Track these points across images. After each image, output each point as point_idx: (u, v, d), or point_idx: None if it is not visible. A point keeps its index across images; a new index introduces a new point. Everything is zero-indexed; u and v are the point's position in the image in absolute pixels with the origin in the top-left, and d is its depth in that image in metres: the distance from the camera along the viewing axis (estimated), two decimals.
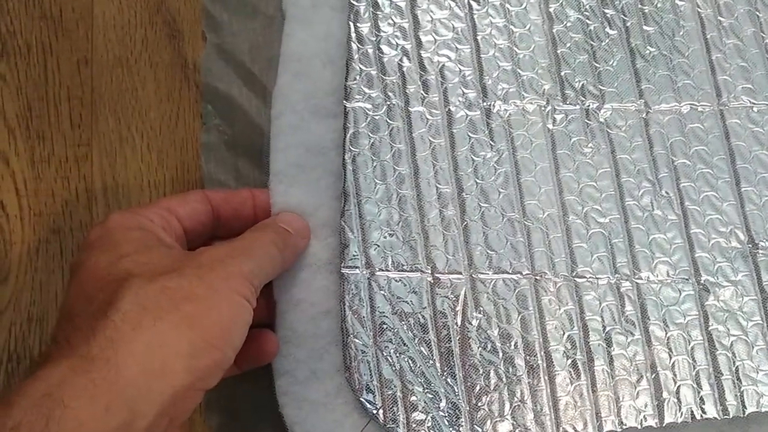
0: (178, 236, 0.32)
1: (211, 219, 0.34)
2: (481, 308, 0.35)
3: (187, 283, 0.27)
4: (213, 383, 0.28)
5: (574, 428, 0.34)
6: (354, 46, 0.38)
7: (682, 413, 0.35)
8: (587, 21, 0.39)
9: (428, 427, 0.34)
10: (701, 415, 0.35)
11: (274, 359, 0.35)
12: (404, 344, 0.35)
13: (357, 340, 0.35)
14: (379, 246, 0.36)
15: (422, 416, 0.34)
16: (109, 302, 0.26)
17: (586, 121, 0.38)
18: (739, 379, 0.35)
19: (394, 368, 0.34)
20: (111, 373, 0.25)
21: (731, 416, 0.35)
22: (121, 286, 0.27)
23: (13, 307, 0.37)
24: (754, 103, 0.38)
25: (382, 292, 0.35)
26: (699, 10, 0.39)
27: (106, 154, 0.38)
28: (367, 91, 0.37)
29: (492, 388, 0.34)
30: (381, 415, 0.34)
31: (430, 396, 0.34)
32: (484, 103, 0.38)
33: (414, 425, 0.34)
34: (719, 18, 0.39)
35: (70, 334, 0.26)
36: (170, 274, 0.27)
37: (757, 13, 0.39)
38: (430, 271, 0.36)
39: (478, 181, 0.37)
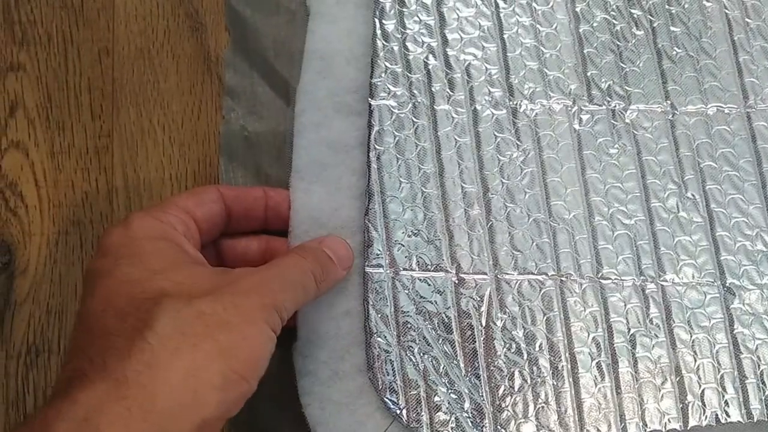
0: (196, 241, 0.30)
1: (224, 218, 0.32)
2: (506, 309, 0.34)
3: (222, 309, 0.26)
4: (236, 412, 0.26)
5: (597, 430, 0.33)
6: (379, 43, 0.36)
7: (706, 417, 0.33)
8: (614, 21, 0.37)
9: (452, 427, 0.32)
10: (725, 419, 0.33)
11: (295, 357, 0.33)
12: (428, 344, 0.33)
13: (380, 340, 0.33)
14: (403, 245, 0.34)
15: (446, 417, 0.32)
16: (144, 322, 0.25)
17: (612, 121, 0.36)
18: (764, 383, 0.34)
19: (417, 368, 0.33)
20: (146, 401, 0.23)
21: (755, 420, 0.33)
22: (157, 305, 0.25)
23: (33, 299, 0.35)
24: None
25: (406, 291, 0.34)
26: (726, 11, 0.38)
27: (127, 146, 0.36)
28: (392, 88, 0.36)
29: (516, 390, 0.33)
30: (404, 416, 0.32)
31: (454, 397, 0.33)
32: (511, 103, 0.36)
33: (437, 426, 0.32)
34: (747, 20, 0.38)
35: (106, 352, 0.24)
36: (206, 298, 0.26)
37: None
38: (454, 271, 0.34)
39: (503, 180, 0.35)
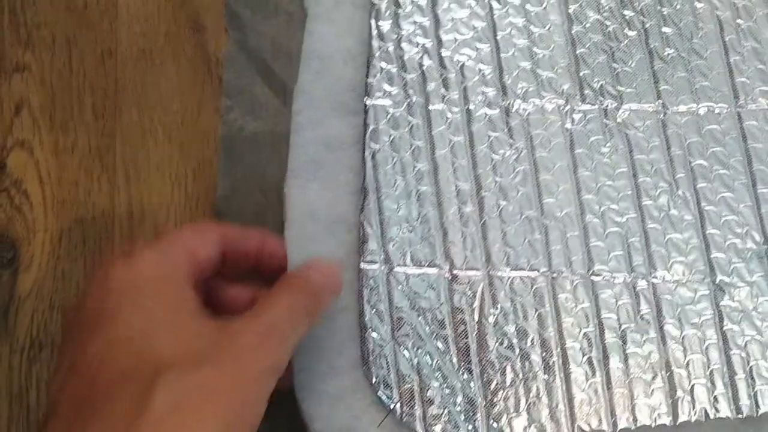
0: (195, 282, 0.29)
1: (221, 260, 0.30)
2: (499, 305, 0.34)
3: (222, 377, 0.25)
4: None
5: (588, 425, 0.33)
6: (375, 44, 0.36)
7: (695, 412, 0.33)
8: (606, 22, 0.38)
9: (445, 421, 0.33)
10: (715, 414, 0.33)
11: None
12: (422, 339, 0.33)
13: (375, 335, 0.33)
14: (397, 242, 0.34)
15: (439, 411, 0.33)
16: (142, 395, 0.24)
17: (604, 121, 0.36)
18: (753, 378, 0.34)
19: (411, 363, 0.33)
20: None
21: (744, 416, 0.34)
22: (157, 376, 0.24)
23: (36, 294, 0.35)
24: None
25: (401, 287, 0.34)
26: (718, 12, 0.38)
27: (129, 146, 0.37)
28: (387, 88, 0.36)
29: (508, 384, 0.33)
30: (398, 409, 0.33)
31: (447, 391, 0.33)
32: (504, 102, 0.36)
33: (430, 419, 0.33)
34: (738, 20, 0.38)
35: (104, 420, 0.24)
36: (206, 366, 0.25)
37: None
38: (448, 268, 0.34)
39: (496, 178, 0.35)
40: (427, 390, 0.33)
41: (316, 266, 0.31)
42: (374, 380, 0.33)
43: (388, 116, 0.36)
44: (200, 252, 0.29)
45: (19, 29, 0.38)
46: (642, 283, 0.35)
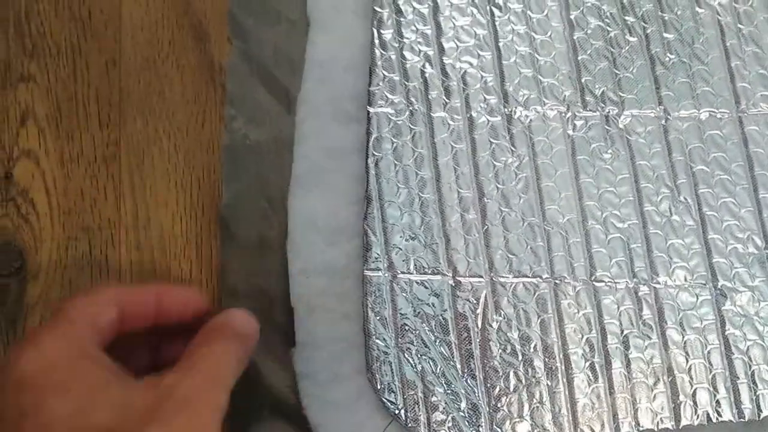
0: (101, 342, 0.28)
1: (118, 321, 0.29)
2: (502, 311, 0.34)
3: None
4: None
5: (591, 429, 0.33)
6: (377, 52, 0.37)
7: (698, 416, 0.34)
8: (607, 28, 0.38)
9: (449, 427, 0.33)
10: (717, 419, 0.34)
11: (295, 362, 0.34)
12: (425, 346, 0.34)
13: (379, 342, 0.34)
14: (401, 249, 0.35)
15: (443, 416, 0.33)
16: None
17: (605, 127, 0.36)
18: (755, 383, 0.34)
19: (415, 369, 0.33)
20: None
21: (747, 420, 0.34)
22: None
23: (43, 302, 0.36)
24: None
25: (404, 294, 0.34)
26: (719, 17, 0.38)
27: (134, 155, 0.37)
28: (389, 96, 0.36)
29: (511, 390, 0.33)
30: (403, 416, 0.33)
31: (451, 397, 0.33)
32: (506, 109, 0.36)
33: (435, 425, 0.33)
34: (739, 26, 0.38)
35: None
36: (153, 426, 0.24)
37: None
38: (451, 275, 0.35)
39: (498, 185, 0.35)
40: (432, 396, 0.33)
41: (237, 313, 0.31)
42: (378, 387, 0.33)
43: (391, 124, 0.36)
44: (99, 318, 0.28)
45: (24, 39, 0.38)
46: (644, 289, 0.35)
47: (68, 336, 0.26)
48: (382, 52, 0.36)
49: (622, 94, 0.37)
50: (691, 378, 0.34)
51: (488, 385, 0.33)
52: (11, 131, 0.37)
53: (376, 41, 0.36)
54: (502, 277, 0.35)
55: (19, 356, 0.26)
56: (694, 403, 0.34)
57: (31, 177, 0.37)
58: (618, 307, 0.34)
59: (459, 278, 0.34)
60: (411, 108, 0.36)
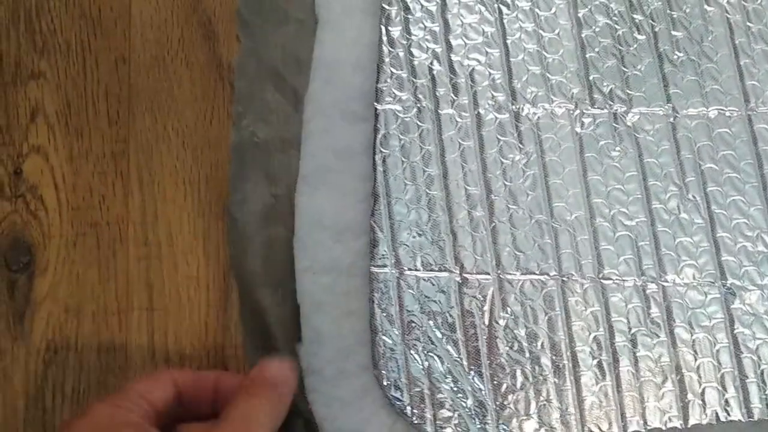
0: (154, 423, 0.30)
1: (176, 402, 0.31)
2: (509, 308, 0.34)
3: None
4: None
5: (599, 428, 0.33)
6: (385, 50, 0.37)
7: (706, 415, 0.33)
8: (616, 26, 0.38)
9: (455, 424, 0.33)
10: (726, 417, 0.33)
11: (301, 357, 0.34)
12: (432, 343, 0.34)
13: (386, 338, 0.34)
14: (408, 246, 0.35)
15: (449, 413, 0.33)
16: None
17: (613, 125, 0.36)
18: (764, 382, 0.34)
19: (421, 366, 0.33)
20: None
21: (756, 419, 0.33)
22: None
23: (51, 298, 0.36)
24: None
25: (411, 291, 0.34)
26: (728, 15, 0.38)
27: (143, 151, 0.37)
28: (397, 93, 0.36)
29: (518, 387, 0.33)
30: (409, 412, 0.33)
31: (458, 394, 0.33)
32: (513, 107, 0.36)
33: (441, 422, 0.33)
34: (748, 24, 0.38)
35: None
36: None
37: None
38: (458, 271, 0.34)
39: (506, 183, 0.35)
40: (438, 393, 0.33)
41: (272, 364, 0.32)
42: (385, 383, 0.33)
43: (399, 121, 0.36)
44: (153, 395, 0.30)
45: (35, 36, 0.39)
46: (652, 287, 0.34)
47: (115, 409, 0.29)
48: (390, 49, 0.36)
49: (630, 92, 0.37)
50: (700, 377, 0.34)
51: (495, 382, 0.33)
52: (21, 127, 0.38)
53: (384, 38, 0.37)
54: (510, 274, 0.34)
55: (73, 420, 0.29)
56: (703, 402, 0.33)
57: (40, 173, 0.37)
58: (626, 305, 0.34)
59: (466, 275, 0.34)
60: (419, 105, 0.36)
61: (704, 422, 0.33)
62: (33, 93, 0.38)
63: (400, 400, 0.33)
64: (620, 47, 0.37)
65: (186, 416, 0.32)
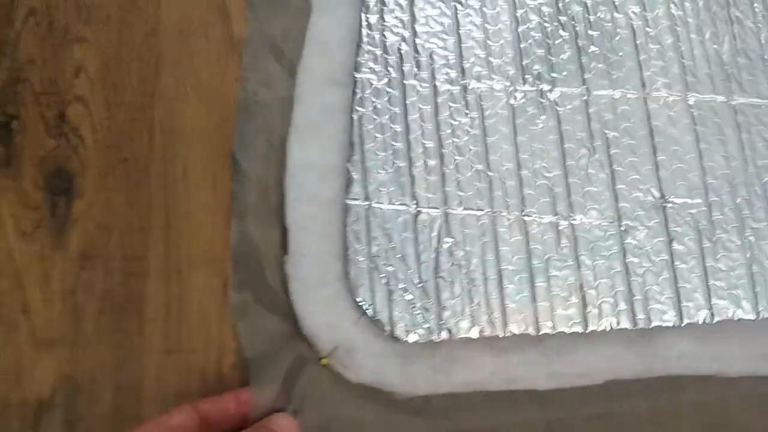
0: None
1: (199, 426, 0.35)
2: (452, 235, 0.43)
3: None
4: None
5: (518, 327, 0.42)
6: (364, 32, 0.46)
7: (602, 323, 0.42)
8: (545, 24, 0.47)
9: (406, 321, 0.41)
10: (617, 325, 0.42)
11: (287, 267, 0.42)
12: (391, 259, 0.42)
13: (356, 255, 0.42)
14: (376, 185, 0.43)
15: (402, 313, 0.41)
16: None
17: (539, 99, 0.45)
18: (647, 300, 0.43)
19: (383, 276, 0.42)
20: None
21: (639, 327, 0.42)
22: None
23: (86, 217, 0.43)
24: (669, 94, 0.46)
25: (377, 219, 0.43)
26: (632, 22, 0.47)
27: (166, 105, 0.45)
28: (372, 66, 0.45)
29: (456, 295, 0.42)
30: (371, 311, 0.41)
31: (410, 298, 0.41)
32: (463, 81, 0.45)
33: (396, 320, 0.41)
34: (647, 29, 0.47)
35: None
36: None
37: (676, 27, 0.47)
38: (414, 206, 0.43)
39: (454, 140, 0.44)
40: (394, 296, 0.41)
41: (280, 417, 0.37)
42: (353, 289, 0.41)
43: (372, 87, 0.45)
44: (172, 421, 0.34)
45: (80, 10, 0.47)
46: (564, 224, 0.43)
47: None
48: (368, 32, 0.46)
49: (554, 75, 0.46)
50: (598, 294, 0.42)
51: (439, 290, 0.42)
52: (67, 81, 0.45)
53: (364, 23, 0.46)
54: (453, 209, 0.43)
55: None
56: (600, 312, 0.42)
57: (81, 117, 0.45)
58: (542, 237, 0.43)
59: (420, 209, 0.43)
60: (389, 76, 0.45)
61: (599, 329, 0.42)
62: (78, 54, 0.46)
63: (365, 302, 0.41)
64: (548, 40, 0.47)
65: None
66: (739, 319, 0.43)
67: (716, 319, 0.43)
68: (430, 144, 0.44)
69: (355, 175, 0.43)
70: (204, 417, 0.36)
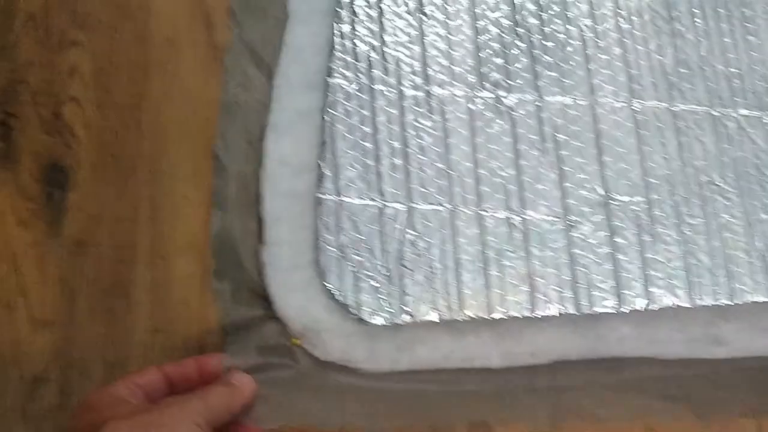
0: (140, 399, 0.38)
1: (165, 385, 0.39)
2: (414, 227, 0.47)
3: (153, 417, 0.35)
4: None
5: (474, 313, 0.45)
6: (337, 41, 0.49)
7: (549, 308, 0.46)
8: (503, 35, 0.51)
9: (372, 305, 0.45)
10: (564, 311, 0.46)
11: (263, 255, 0.46)
12: (359, 248, 0.46)
13: (327, 246, 0.46)
14: (345, 181, 0.47)
15: (369, 299, 0.45)
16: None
17: (496, 105, 0.49)
18: (590, 288, 0.47)
19: (351, 264, 0.45)
20: None
21: (583, 313, 0.46)
22: (99, 428, 0.33)
23: (78, 207, 0.46)
24: (616, 101, 0.50)
25: (346, 212, 0.46)
26: (583, 34, 0.51)
27: (153, 105, 0.49)
28: (344, 72, 0.49)
29: (418, 282, 0.45)
30: (339, 296, 0.45)
31: (375, 285, 0.45)
32: (426, 87, 0.49)
33: (363, 304, 0.45)
34: (596, 41, 0.51)
35: None
36: (140, 414, 0.35)
37: (624, 39, 0.51)
38: (380, 200, 0.47)
39: (418, 140, 0.48)
40: (360, 282, 0.45)
41: (232, 372, 0.40)
42: (324, 275, 0.45)
43: (343, 91, 0.48)
44: (139, 380, 0.38)
45: (75, 16, 0.50)
46: (516, 218, 0.47)
47: (106, 390, 0.37)
48: (341, 40, 0.49)
49: (510, 82, 0.50)
50: (546, 282, 0.46)
51: (401, 276, 0.46)
52: (63, 82, 0.49)
53: (337, 33, 0.49)
54: (416, 204, 0.47)
55: (87, 397, 0.37)
56: (548, 299, 0.46)
57: (75, 116, 0.48)
58: (496, 230, 0.47)
59: (386, 203, 0.47)
60: (359, 81, 0.49)
61: (548, 313, 0.46)
62: (72, 57, 0.49)
63: (334, 287, 0.45)
64: (505, 51, 0.51)
65: (177, 391, 0.39)
66: (676, 307, 0.47)
67: (654, 306, 0.47)
68: (396, 144, 0.48)
69: (327, 172, 0.47)
70: (169, 378, 0.40)
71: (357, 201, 0.47)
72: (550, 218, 0.48)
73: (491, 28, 0.51)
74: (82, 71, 0.49)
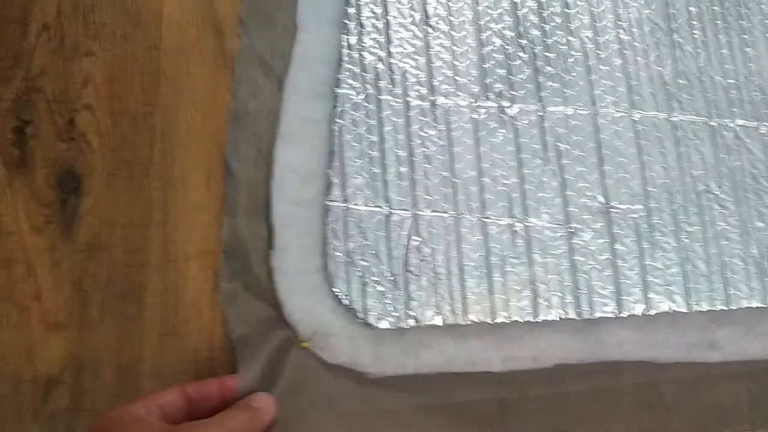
0: (158, 419, 0.38)
1: (185, 405, 0.39)
2: (420, 234, 0.48)
3: None
4: None
5: (477, 317, 0.47)
6: (345, 51, 0.50)
7: (551, 313, 0.47)
8: (507, 47, 0.52)
9: (379, 310, 0.46)
10: (565, 316, 0.47)
11: (272, 260, 0.47)
12: (366, 254, 0.47)
13: (334, 251, 0.47)
14: (353, 188, 0.48)
15: (375, 303, 0.46)
16: None
17: (500, 115, 0.51)
18: (591, 293, 0.48)
19: (357, 269, 0.47)
20: None
21: (584, 318, 0.47)
22: None
23: (92, 213, 0.47)
24: (616, 111, 0.51)
25: (353, 219, 0.48)
26: (585, 45, 0.53)
27: (165, 112, 0.50)
28: (351, 82, 0.50)
29: (423, 287, 0.47)
30: (347, 302, 0.46)
31: (382, 290, 0.46)
32: (432, 97, 0.50)
33: (369, 309, 0.46)
34: (598, 52, 0.53)
35: None
36: None
37: (624, 51, 0.53)
38: (387, 208, 0.48)
39: (423, 149, 0.49)
40: (367, 288, 0.46)
41: (254, 395, 0.41)
42: (331, 281, 0.46)
43: (351, 101, 0.49)
44: (158, 399, 0.39)
45: (89, 26, 0.51)
46: (519, 225, 0.48)
47: (127, 408, 0.38)
48: (348, 51, 0.50)
49: (514, 93, 0.51)
50: (548, 288, 0.48)
51: (407, 283, 0.47)
52: (76, 90, 0.50)
53: (344, 43, 0.50)
54: (422, 211, 0.48)
55: (105, 413, 0.38)
56: (550, 304, 0.47)
57: (88, 123, 0.49)
58: (500, 236, 0.48)
59: (392, 210, 0.48)
60: (366, 92, 0.50)
61: (550, 318, 0.47)
62: (86, 66, 0.50)
63: (341, 292, 0.46)
64: (509, 62, 0.52)
65: (197, 417, 0.39)
66: (674, 312, 0.48)
67: (652, 311, 0.48)
68: (402, 153, 0.49)
69: (335, 180, 0.48)
70: (189, 398, 0.40)
71: (364, 208, 0.48)
72: (552, 225, 0.49)
73: (495, 39, 0.52)
74: (96, 80, 0.50)
